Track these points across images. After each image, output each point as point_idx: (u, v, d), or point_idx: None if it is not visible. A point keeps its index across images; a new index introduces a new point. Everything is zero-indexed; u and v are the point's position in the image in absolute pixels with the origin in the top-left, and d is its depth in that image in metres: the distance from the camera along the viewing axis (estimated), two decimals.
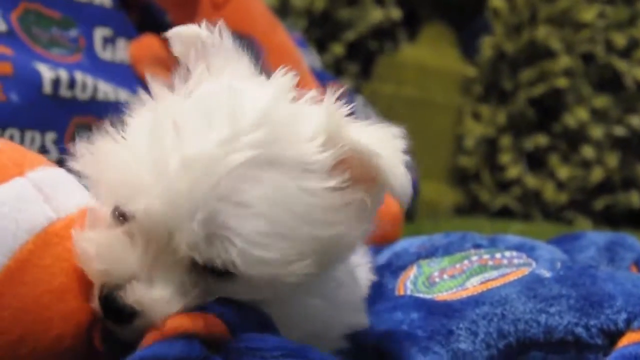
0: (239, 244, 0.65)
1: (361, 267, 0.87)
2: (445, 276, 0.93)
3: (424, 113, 2.78)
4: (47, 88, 1.20)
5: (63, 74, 1.22)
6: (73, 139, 0.74)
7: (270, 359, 0.66)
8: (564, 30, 2.61)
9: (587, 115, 2.57)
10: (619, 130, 2.59)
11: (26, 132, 1.17)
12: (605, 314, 0.80)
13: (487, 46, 2.78)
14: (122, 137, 0.71)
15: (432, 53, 2.89)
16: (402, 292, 0.94)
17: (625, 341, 0.78)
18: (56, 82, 1.21)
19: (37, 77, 1.19)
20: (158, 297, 0.67)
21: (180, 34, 0.78)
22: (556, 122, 2.61)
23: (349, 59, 2.77)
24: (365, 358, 0.82)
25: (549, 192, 2.58)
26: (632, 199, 2.59)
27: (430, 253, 1.03)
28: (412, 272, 0.97)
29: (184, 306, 0.69)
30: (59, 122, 1.22)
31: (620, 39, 2.60)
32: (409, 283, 0.95)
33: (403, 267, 1.00)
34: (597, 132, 2.57)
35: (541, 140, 2.61)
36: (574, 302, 0.81)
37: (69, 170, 0.75)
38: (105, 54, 1.39)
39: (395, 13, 2.83)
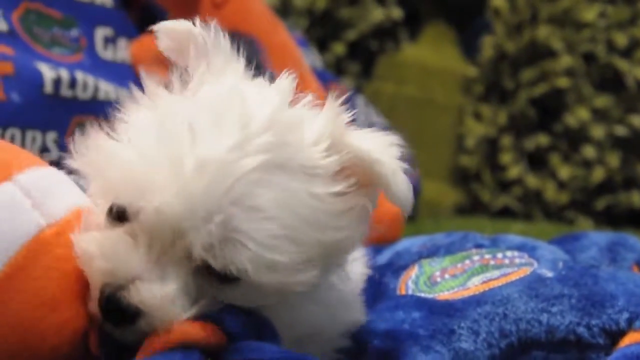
0: (252, 247, 0.65)
1: (356, 262, 0.87)
2: (446, 276, 0.93)
3: (425, 113, 2.78)
4: (48, 88, 1.20)
5: (64, 74, 1.22)
6: (74, 139, 0.73)
7: None
8: (565, 30, 2.61)
9: (588, 115, 2.57)
10: (620, 130, 2.58)
11: (27, 132, 1.17)
12: (607, 314, 0.80)
13: (488, 46, 2.77)
14: (123, 135, 0.71)
15: (433, 53, 2.89)
16: (403, 292, 0.94)
17: (627, 341, 0.78)
18: (57, 82, 1.21)
19: (38, 77, 1.19)
20: (163, 296, 0.67)
21: (172, 29, 0.78)
22: (557, 122, 2.61)
23: (350, 58, 2.77)
24: (366, 357, 0.82)
25: (550, 192, 2.58)
26: (634, 198, 2.59)
27: (432, 253, 1.03)
28: (414, 271, 0.97)
29: (187, 307, 0.68)
30: (60, 121, 1.22)
31: (621, 39, 2.59)
32: (410, 282, 0.95)
33: (404, 267, 1.00)
34: (598, 132, 2.56)
35: (542, 140, 2.60)
36: (575, 301, 0.81)
37: (68, 169, 0.75)
38: (106, 54, 1.39)
39: (397, 13, 2.82)
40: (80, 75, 1.25)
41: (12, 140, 1.14)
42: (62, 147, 1.16)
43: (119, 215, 0.70)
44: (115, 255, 0.68)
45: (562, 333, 0.80)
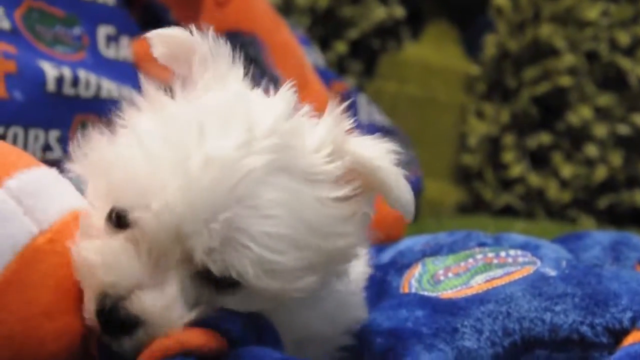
0: (254, 248, 0.65)
1: (358, 261, 0.88)
2: (450, 274, 0.93)
3: (427, 111, 2.77)
4: (51, 86, 1.20)
5: (66, 72, 1.22)
6: (75, 141, 0.73)
7: None
8: (567, 29, 2.60)
9: (590, 113, 2.56)
10: (623, 129, 2.58)
11: (30, 130, 1.17)
12: (610, 313, 0.80)
13: (490, 44, 2.77)
14: (126, 138, 0.71)
15: (435, 51, 2.89)
16: (406, 290, 0.94)
17: (630, 340, 0.78)
18: (60, 80, 1.21)
19: (41, 75, 1.19)
20: (163, 305, 0.66)
21: (166, 37, 0.78)
22: (560, 121, 2.60)
23: (352, 57, 2.76)
24: (369, 355, 0.82)
25: (553, 191, 2.57)
26: (636, 197, 2.58)
27: (435, 251, 1.03)
28: (417, 270, 0.97)
29: (187, 315, 0.68)
30: (63, 120, 1.22)
31: (624, 37, 2.59)
32: (413, 281, 0.95)
33: (408, 266, 1.00)
34: (600, 130, 2.56)
35: (544, 138, 2.60)
36: (579, 300, 0.81)
37: (66, 172, 0.74)
38: (109, 52, 1.39)
39: (399, 11, 2.82)
40: (82, 74, 1.25)
41: (15, 138, 1.14)
42: (65, 145, 1.16)
43: (118, 221, 0.70)
44: (117, 266, 0.67)
45: (565, 332, 0.80)
